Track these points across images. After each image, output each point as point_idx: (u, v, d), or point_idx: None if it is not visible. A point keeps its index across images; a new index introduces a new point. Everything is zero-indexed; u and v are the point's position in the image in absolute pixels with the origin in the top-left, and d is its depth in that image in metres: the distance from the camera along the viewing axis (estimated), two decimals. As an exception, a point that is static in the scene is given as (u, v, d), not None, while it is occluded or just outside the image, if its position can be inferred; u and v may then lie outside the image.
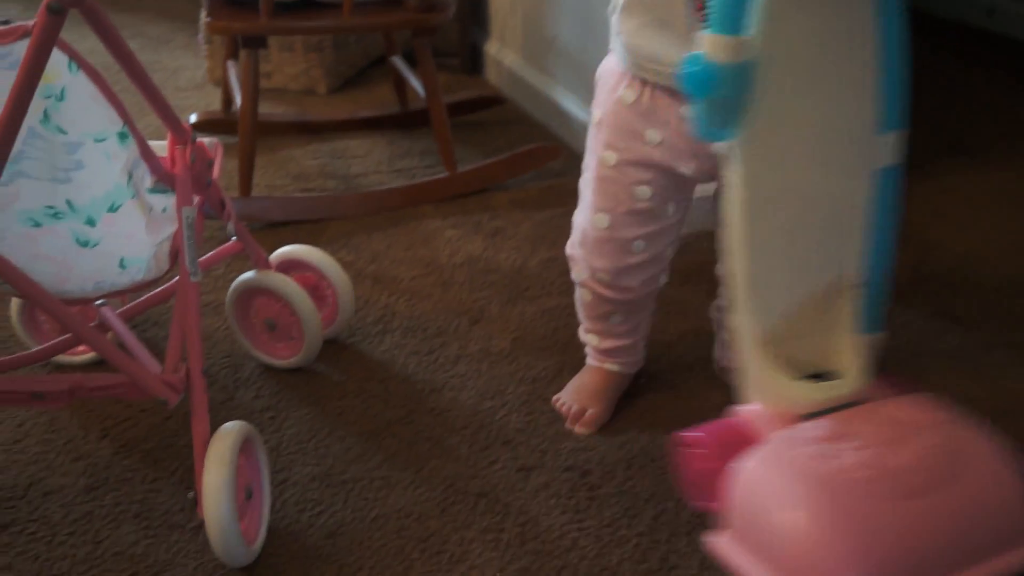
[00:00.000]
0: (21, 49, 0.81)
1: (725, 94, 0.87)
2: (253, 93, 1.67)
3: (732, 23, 0.85)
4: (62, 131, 0.91)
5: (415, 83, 1.89)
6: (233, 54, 1.93)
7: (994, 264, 1.58)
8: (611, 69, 1.09)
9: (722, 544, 0.94)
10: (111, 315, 1.17)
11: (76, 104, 0.91)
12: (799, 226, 0.97)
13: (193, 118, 2.03)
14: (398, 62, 2.03)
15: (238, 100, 1.74)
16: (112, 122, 0.93)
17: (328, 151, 2.02)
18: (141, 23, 2.86)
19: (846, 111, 0.95)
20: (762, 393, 0.99)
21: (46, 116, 0.90)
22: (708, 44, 0.86)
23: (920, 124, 2.12)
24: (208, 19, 1.67)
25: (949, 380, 1.27)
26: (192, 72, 2.43)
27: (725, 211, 0.93)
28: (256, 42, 1.66)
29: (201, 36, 2.39)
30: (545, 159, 1.89)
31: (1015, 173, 1.91)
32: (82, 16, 0.81)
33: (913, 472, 0.90)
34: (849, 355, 1.01)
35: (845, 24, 0.92)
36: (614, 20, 1.05)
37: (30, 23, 0.83)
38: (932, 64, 2.58)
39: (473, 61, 2.49)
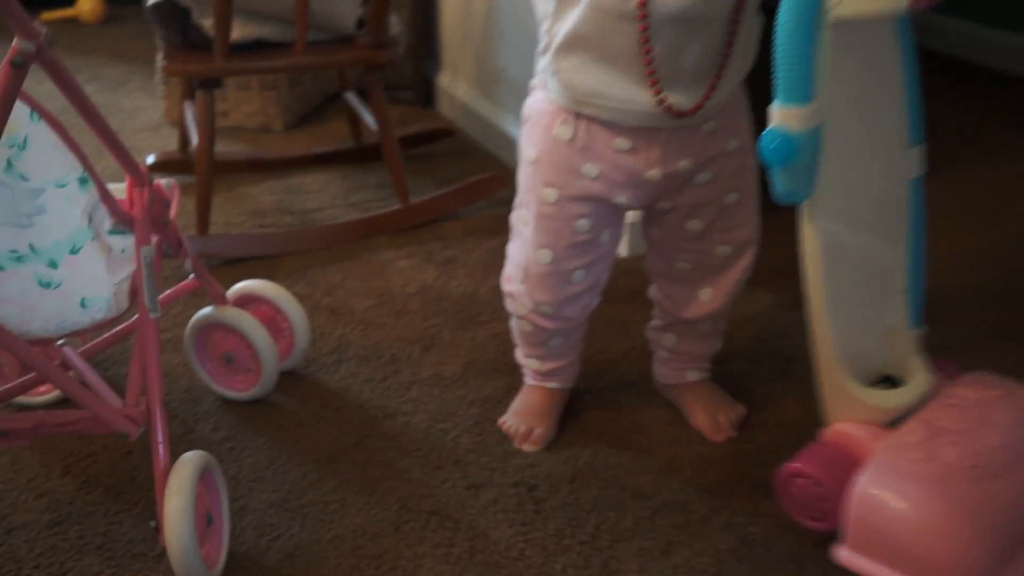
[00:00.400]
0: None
1: (804, 160, 0.93)
2: (209, 133, 1.73)
3: (802, 94, 0.90)
4: (24, 178, 0.96)
5: (368, 118, 1.96)
6: (189, 95, 1.99)
7: (948, 273, 1.65)
8: (541, 108, 1.13)
9: (848, 556, 1.01)
10: (72, 354, 1.21)
11: (38, 152, 0.96)
12: (859, 249, 1.05)
13: (151, 159, 2.08)
14: (351, 98, 2.10)
15: (195, 140, 1.79)
16: (72, 168, 0.99)
17: (284, 187, 2.07)
18: (99, 66, 2.91)
19: (883, 134, 1.03)
20: (849, 411, 1.06)
21: (9, 164, 0.95)
22: (782, 116, 0.91)
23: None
24: (164, 62, 1.73)
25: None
26: (149, 113, 2.48)
27: (803, 254, 1.00)
28: (212, 83, 1.71)
29: (158, 78, 2.44)
30: (495, 188, 1.96)
31: (945, 186, 1.99)
32: (41, 67, 0.87)
33: (1003, 449, 0.99)
34: (908, 354, 1.09)
35: (876, 58, 1.00)
36: (546, 59, 1.11)
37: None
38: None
39: (426, 94, 2.56)
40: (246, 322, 1.32)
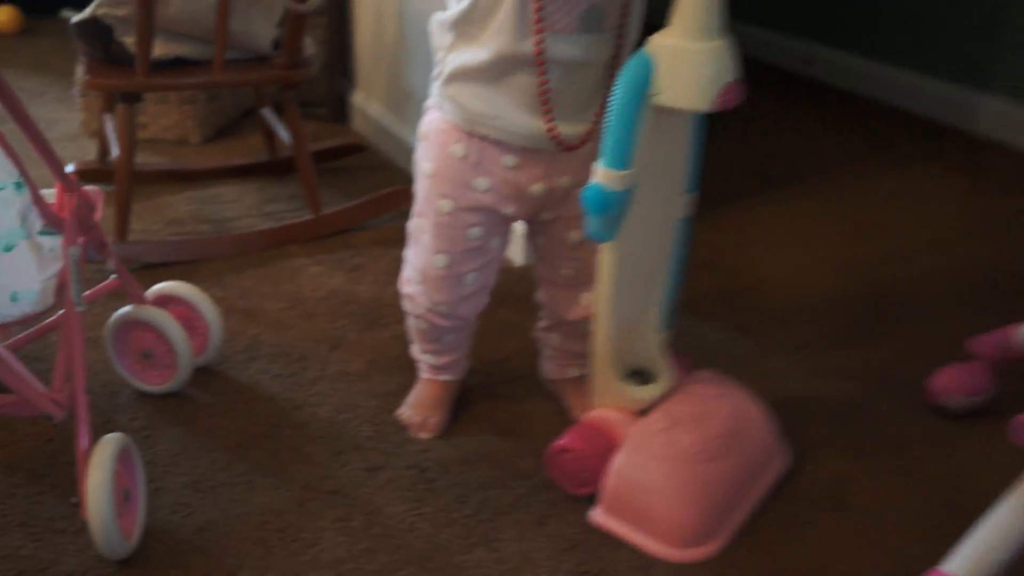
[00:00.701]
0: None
1: (616, 212, 1.12)
2: (130, 144, 1.82)
3: (623, 161, 1.09)
4: None
5: (283, 133, 2.07)
6: (109, 108, 2.07)
7: (784, 285, 1.85)
8: (437, 127, 1.25)
9: (602, 517, 1.23)
10: (-2, 347, 1.30)
11: (-22, 160, 1.06)
12: (637, 267, 1.23)
13: (70, 168, 2.15)
14: (267, 113, 2.21)
15: (114, 150, 1.88)
16: (9, 173, 1.09)
17: (201, 197, 2.17)
18: (16, 77, 2.96)
19: (666, 184, 1.21)
20: (611, 399, 1.28)
21: None
22: (604, 176, 1.09)
23: (736, 160, 2.43)
24: (87, 76, 1.82)
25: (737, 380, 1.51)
26: (67, 124, 2.55)
27: (600, 271, 1.19)
28: (132, 97, 1.81)
29: (76, 90, 2.51)
30: (403, 201, 2.07)
31: (816, 205, 2.20)
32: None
33: (721, 437, 1.23)
34: (657, 353, 1.30)
35: (676, 132, 1.18)
36: (440, 84, 1.24)
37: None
38: (755, 105, 2.90)
39: (340, 111, 2.68)
40: (164, 320, 1.42)
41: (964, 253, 1.98)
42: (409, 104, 2.34)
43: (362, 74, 2.61)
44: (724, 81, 1.07)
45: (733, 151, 2.52)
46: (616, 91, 1.08)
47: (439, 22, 1.20)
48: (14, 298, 1.15)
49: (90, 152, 2.28)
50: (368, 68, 2.57)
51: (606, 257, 1.19)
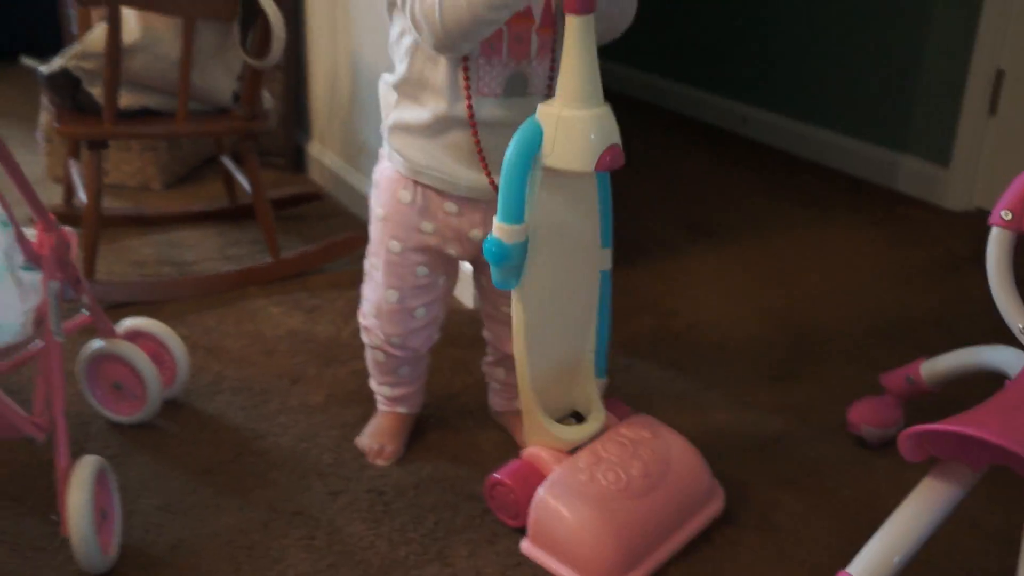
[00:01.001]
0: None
1: (514, 262, 1.21)
2: (97, 190, 1.91)
3: (515, 216, 1.18)
4: None
5: (243, 180, 2.17)
6: (74, 154, 2.16)
7: (715, 327, 1.98)
8: (388, 175, 1.36)
9: (529, 547, 1.30)
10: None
11: (-29, 201, 1.15)
12: (557, 314, 1.32)
13: (35, 211, 2.22)
14: (227, 161, 2.31)
15: (80, 194, 1.96)
16: (-5, 214, 1.18)
17: (164, 241, 2.25)
18: (-23, 121, 3.02)
19: (580, 240, 1.30)
20: (542, 438, 1.35)
21: None
22: (499, 230, 1.18)
23: (674, 213, 2.58)
24: (56, 124, 1.90)
25: (672, 416, 1.63)
26: (31, 168, 2.61)
27: (512, 311, 1.27)
28: (99, 144, 1.90)
29: (39, 134, 2.59)
30: (357, 246, 2.17)
31: (745, 254, 2.35)
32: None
33: (644, 477, 1.30)
34: (592, 398, 1.39)
35: (578, 191, 1.27)
36: (387, 136, 1.35)
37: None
38: (693, 162, 3.08)
39: (297, 161, 2.79)
40: (134, 354, 1.50)
41: (880, 298, 2.14)
42: (362, 155, 2.45)
43: (317, 126, 2.73)
44: (605, 145, 1.16)
45: (671, 204, 2.68)
46: (508, 153, 1.17)
47: (385, 82, 1.33)
48: (-2, 329, 1.23)
49: (55, 196, 2.35)
50: (323, 120, 2.68)
51: (515, 304, 1.26)
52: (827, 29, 3.10)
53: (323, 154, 2.68)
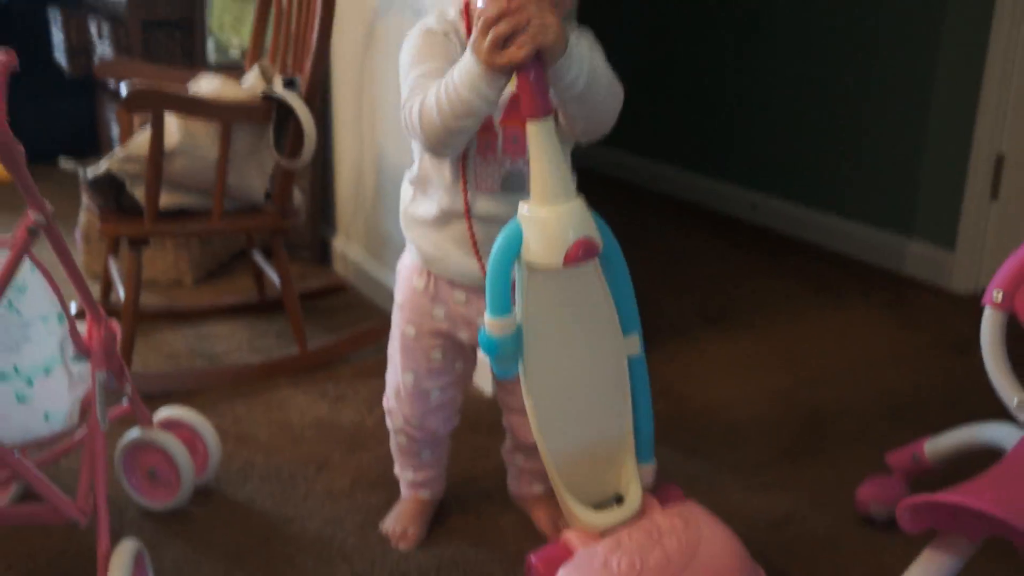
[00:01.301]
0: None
1: (507, 352, 1.26)
2: (136, 284, 2.01)
3: (501, 309, 1.23)
4: (20, 314, 1.24)
5: (272, 274, 2.27)
6: (113, 251, 2.27)
7: (728, 410, 2.04)
8: (407, 264, 1.46)
9: None
10: (27, 462, 1.45)
11: (32, 294, 1.25)
12: (573, 401, 1.35)
13: (74, 306, 2.33)
14: (257, 256, 2.42)
15: (119, 290, 2.07)
16: (54, 306, 1.27)
17: (195, 334, 2.35)
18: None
19: (587, 327, 1.34)
20: (573, 522, 1.36)
21: (10, 303, 1.23)
22: (488, 324, 1.24)
23: (688, 299, 2.66)
24: (100, 223, 2.02)
25: (688, 496, 1.68)
26: (69, 265, 2.73)
27: (524, 399, 1.31)
28: (141, 242, 2.01)
29: (79, 233, 2.72)
30: (381, 336, 2.25)
31: (756, 338, 2.42)
32: (45, 234, 1.18)
33: (662, 566, 1.29)
34: (631, 483, 1.40)
35: (579, 281, 1.30)
36: (405, 228, 1.43)
37: (7, 236, 1.19)
38: (705, 249, 3.16)
39: (322, 254, 2.90)
40: (171, 443, 1.58)
41: (888, 380, 2.19)
42: (386, 248, 2.56)
43: (343, 221, 2.84)
44: (573, 239, 1.21)
45: (684, 290, 2.76)
46: (492, 251, 1.24)
47: (407, 177, 1.43)
48: (46, 417, 1.32)
49: (93, 291, 2.45)
50: (348, 215, 2.80)
51: (524, 392, 1.31)
52: (834, 117, 3.22)
53: (347, 247, 2.79)
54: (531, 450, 1.56)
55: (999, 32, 2.64)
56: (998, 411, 1.46)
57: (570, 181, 1.24)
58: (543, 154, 1.20)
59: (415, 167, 1.38)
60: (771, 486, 1.74)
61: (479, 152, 1.31)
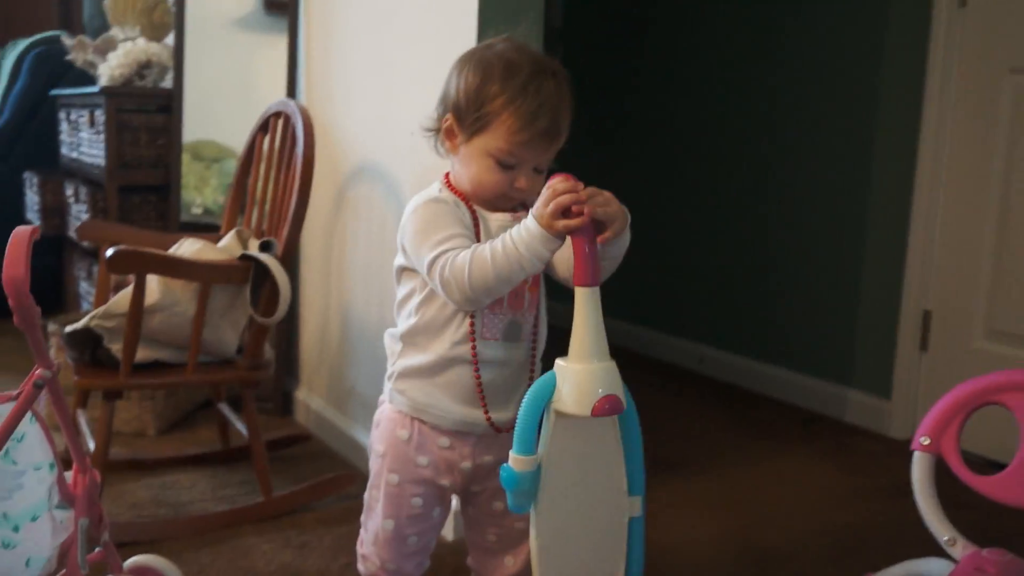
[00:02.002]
0: (4, 410, 1.25)
1: (525, 488, 1.36)
2: (107, 436, 2.07)
3: (527, 449, 1.35)
4: (14, 463, 1.30)
5: (238, 424, 2.33)
6: (82, 404, 2.33)
7: (680, 551, 2.11)
8: (388, 416, 1.53)
9: None
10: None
11: (28, 444, 1.31)
12: (575, 545, 1.43)
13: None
14: (224, 407, 2.48)
15: (87, 441, 2.11)
16: (47, 455, 1.34)
17: (159, 484, 2.39)
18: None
19: (606, 486, 1.43)
20: None
21: (6, 453, 1.29)
22: (513, 460, 1.35)
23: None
24: (76, 376, 2.08)
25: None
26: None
27: (530, 534, 1.39)
28: (115, 395, 2.08)
29: (44, 386, 2.76)
30: (344, 485, 2.34)
31: (706, 483, 2.51)
32: (48, 389, 1.27)
33: None
34: None
35: (599, 437, 1.41)
36: (392, 381, 1.54)
37: (14, 392, 1.27)
38: (652, 398, 3.28)
39: (285, 405, 2.97)
40: (142, 589, 1.61)
41: (832, 521, 2.29)
42: (349, 399, 2.64)
43: (306, 372, 2.93)
44: (601, 394, 1.34)
45: (636, 438, 2.85)
46: (526, 396, 1.36)
47: (391, 335, 1.54)
48: (28, 564, 1.36)
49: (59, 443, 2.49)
50: (312, 367, 2.89)
51: (532, 527, 1.39)
52: (776, 276, 3.42)
53: (310, 398, 2.87)
54: (495, 590, 1.62)
55: (920, 200, 2.89)
56: (937, 549, 1.56)
57: (605, 344, 1.37)
58: (588, 318, 1.35)
59: (410, 323, 1.47)
60: (725, 626, 1.81)
61: (489, 307, 1.44)
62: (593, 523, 1.46)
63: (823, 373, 3.23)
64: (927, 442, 1.58)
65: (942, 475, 1.56)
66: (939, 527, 1.54)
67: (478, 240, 1.44)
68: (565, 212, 1.32)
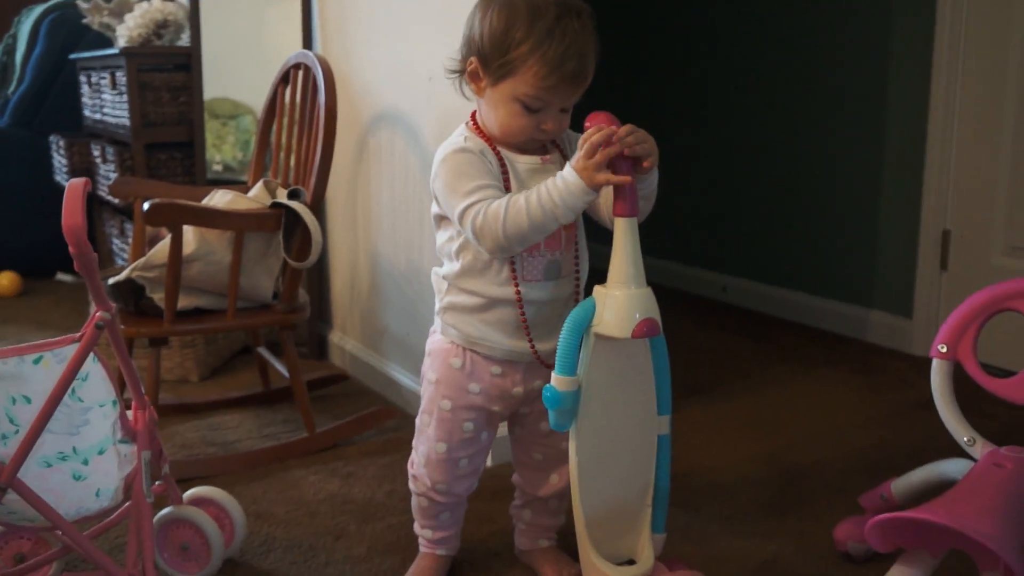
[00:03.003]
0: (69, 351, 1.33)
1: (567, 407, 1.45)
2: (156, 381, 2.16)
3: (569, 370, 1.43)
4: (81, 400, 1.38)
5: (279, 366, 2.42)
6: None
7: (712, 470, 2.19)
8: (440, 346, 1.59)
9: None
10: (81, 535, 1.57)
11: (92, 383, 1.39)
12: (610, 461, 1.53)
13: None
14: (263, 351, 2.57)
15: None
16: (109, 393, 1.42)
17: (206, 426, 2.48)
18: (20, 333, 3.30)
19: (638, 405, 1.53)
20: (591, 572, 1.50)
21: (73, 391, 1.37)
22: (555, 380, 1.43)
23: (672, 373, 2.82)
24: (122, 326, 2.17)
25: (677, 545, 1.82)
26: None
27: (569, 452, 1.48)
28: (161, 342, 2.16)
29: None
30: (383, 419, 2.44)
31: (735, 406, 2.58)
32: (107, 328, 1.35)
33: None
34: (645, 548, 1.56)
35: (633, 360, 1.51)
36: (440, 315, 1.59)
37: (77, 334, 1.35)
38: (679, 328, 3.34)
39: (320, 348, 3.06)
40: (201, 518, 1.71)
41: (860, 437, 2.36)
42: (383, 339, 2.72)
43: (338, 316, 3.01)
44: (640, 318, 1.41)
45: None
46: (567, 321, 1.44)
47: (436, 274, 1.59)
48: (98, 494, 1.45)
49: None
50: (345, 310, 2.97)
51: (571, 445, 1.49)
52: (795, 203, 3.46)
53: (344, 341, 2.95)
54: (539, 505, 1.71)
55: (935, 121, 2.91)
56: (959, 455, 1.63)
57: (643, 272, 1.44)
58: (627, 247, 1.41)
59: (453, 266, 1.53)
60: (757, 534, 1.89)
61: (526, 249, 1.48)
62: (626, 440, 1.54)
63: (845, 296, 3.28)
64: (945, 350, 1.64)
65: (962, 385, 1.62)
66: (959, 428, 1.61)
67: (507, 187, 1.48)
68: (609, 163, 1.36)
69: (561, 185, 1.39)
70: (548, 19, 1.39)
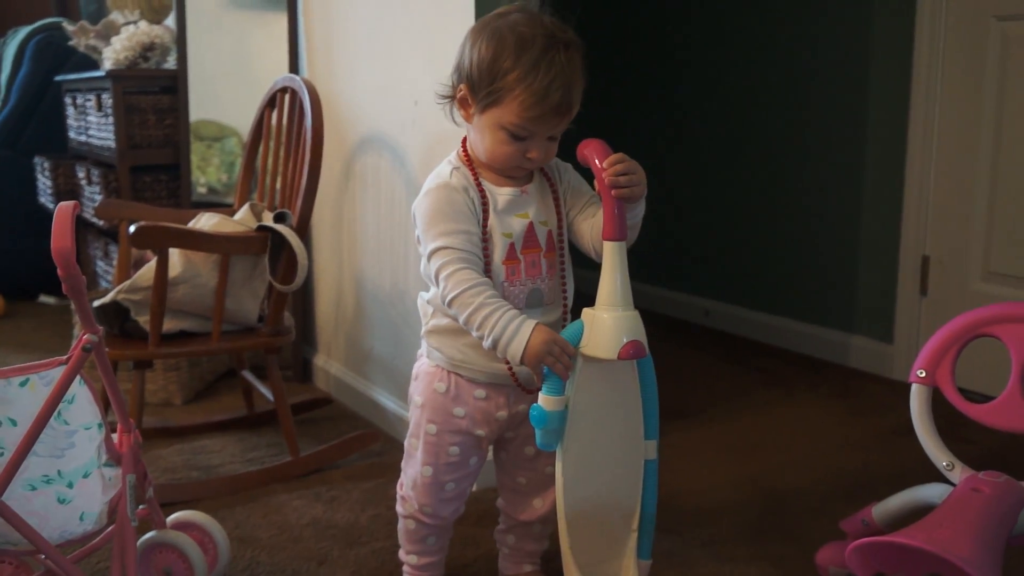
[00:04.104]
0: (56, 374, 1.33)
1: (553, 426, 1.46)
2: (140, 404, 2.15)
3: (557, 390, 1.45)
4: (66, 423, 1.38)
5: (263, 390, 2.42)
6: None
7: (695, 494, 2.20)
8: (426, 370, 1.61)
9: None
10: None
11: (78, 405, 1.39)
12: (596, 483, 1.53)
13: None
14: (247, 375, 2.57)
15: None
16: (95, 416, 1.42)
17: (190, 449, 2.48)
18: (2, 355, 3.28)
19: (624, 429, 1.54)
20: None
21: (58, 414, 1.37)
22: (542, 400, 1.44)
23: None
24: (107, 348, 2.16)
25: (663, 570, 1.83)
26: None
27: (556, 472, 1.49)
28: (145, 365, 2.16)
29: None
30: (368, 442, 2.44)
31: (717, 431, 2.60)
32: (94, 351, 1.35)
33: None
34: (630, 574, 1.56)
35: (620, 383, 1.52)
36: (425, 338, 1.61)
37: (64, 357, 1.35)
38: (662, 352, 3.36)
39: (304, 371, 3.06)
40: (185, 542, 1.70)
41: (840, 462, 2.38)
42: (367, 362, 2.72)
43: (324, 339, 3.01)
44: (627, 340, 1.43)
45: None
46: None
47: (423, 299, 1.61)
48: (82, 518, 1.45)
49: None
50: (329, 334, 2.97)
51: (558, 464, 1.50)
52: (777, 229, 3.49)
53: (328, 364, 2.95)
54: (523, 529, 1.71)
55: (914, 149, 2.96)
56: (939, 479, 1.64)
57: (630, 294, 1.46)
58: (615, 270, 1.44)
59: (435, 291, 1.53)
60: (739, 559, 1.90)
61: (507, 278, 1.50)
62: (612, 463, 1.56)
63: (827, 321, 3.31)
64: (923, 375, 1.66)
65: (942, 410, 1.65)
66: (938, 454, 1.63)
67: (485, 221, 1.50)
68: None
69: (511, 329, 1.41)
70: (535, 51, 1.42)
